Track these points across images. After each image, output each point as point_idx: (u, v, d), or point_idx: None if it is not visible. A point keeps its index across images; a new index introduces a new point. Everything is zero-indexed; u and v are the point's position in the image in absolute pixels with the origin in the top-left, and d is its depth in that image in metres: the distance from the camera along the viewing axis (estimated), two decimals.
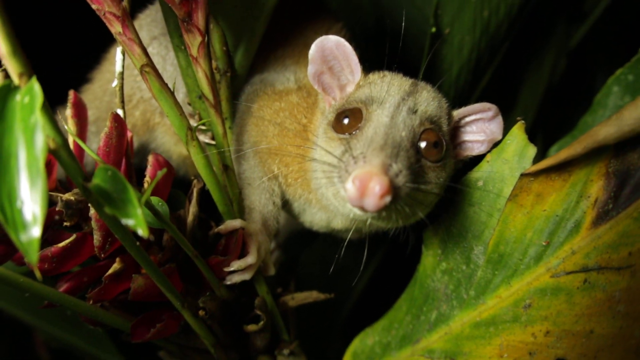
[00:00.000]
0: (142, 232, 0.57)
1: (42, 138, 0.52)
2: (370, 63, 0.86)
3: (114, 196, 0.62)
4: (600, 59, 1.39)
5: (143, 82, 0.98)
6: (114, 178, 0.62)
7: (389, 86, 0.76)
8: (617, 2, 1.31)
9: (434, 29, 0.97)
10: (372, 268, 1.16)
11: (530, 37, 1.24)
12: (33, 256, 0.51)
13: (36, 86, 0.54)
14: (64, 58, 1.27)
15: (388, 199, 0.64)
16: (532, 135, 1.32)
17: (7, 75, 0.84)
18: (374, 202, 0.63)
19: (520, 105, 1.24)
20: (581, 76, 1.40)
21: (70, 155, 0.61)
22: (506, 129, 0.82)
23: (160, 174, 0.71)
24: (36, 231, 0.50)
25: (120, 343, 1.18)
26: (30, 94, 0.55)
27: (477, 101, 1.15)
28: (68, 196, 0.81)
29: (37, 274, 0.61)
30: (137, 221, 0.59)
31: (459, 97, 1.08)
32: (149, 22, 0.99)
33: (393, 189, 0.64)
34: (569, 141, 1.06)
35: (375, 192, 0.63)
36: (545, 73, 1.26)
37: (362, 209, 0.65)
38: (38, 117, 0.53)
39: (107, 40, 1.12)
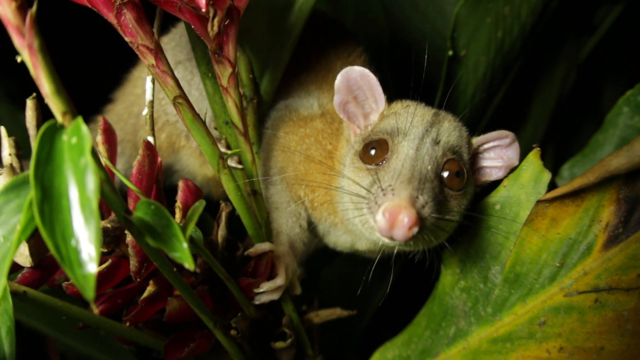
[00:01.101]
0: (188, 265, 0.64)
1: (93, 179, 0.55)
2: (390, 85, 0.93)
3: (158, 230, 0.68)
4: (609, 72, 1.47)
5: (169, 106, 1.06)
6: (158, 212, 0.68)
7: (413, 117, 0.84)
8: (625, 15, 1.39)
9: (450, 52, 1.05)
10: (388, 284, 1.25)
11: (541, 52, 1.32)
12: (90, 292, 0.53)
13: (83, 127, 0.57)
14: (82, 72, 1.33)
15: (416, 229, 0.72)
16: (544, 147, 1.41)
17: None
18: (403, 233, 0.71)
19: (532, 118, 1.33)
20: (590, 89, 1.49)
21: (112, 189, 0.65)
22: (521, 147, 0.90)
23: (200, 206, 0.78)
24: (92, 268, 0.54)
25: (142, 356, 1.26)
26: (77, 135, 0.57)
27: (491, 118, 1.24)
28: (105, 224, 0.88)
29: (94, 309, 0.67)
30: (184, 255, 0.64)
31: (473, 116, 1.16)
32: (174, 47, 1.05)
33: (420, 220, 0.73)
34: (580, 159, 1.15)
35: (405, 225, 0.71)
36: (556, 86, 1.34)
37: (392, 238, 0.74)
38: (89, 159, 0.56)
39: (126, 60, 1.19)
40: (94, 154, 0.60)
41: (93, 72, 1.30)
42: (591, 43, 1.40)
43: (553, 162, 1.31)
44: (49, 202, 0.56)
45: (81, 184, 0.56)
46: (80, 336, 1.25)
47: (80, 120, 0.58)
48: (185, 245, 0.65)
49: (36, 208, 0.54)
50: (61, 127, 0.60)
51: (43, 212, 0.55)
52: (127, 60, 1.18)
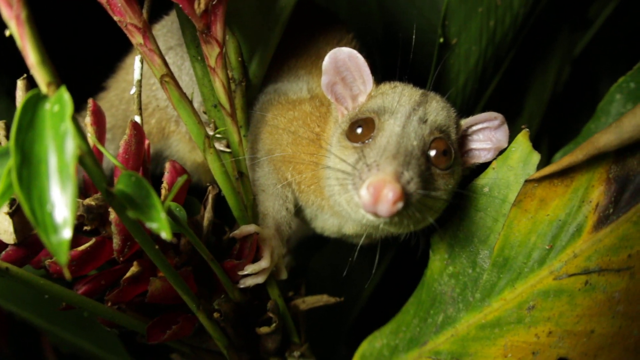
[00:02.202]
0: (165, 235, 0.62)
1: (72, 145, 0.56)
2: (379, 69, 0.93)
3: (138, 201, 0.67)
4: (603, 66, 1.46)
5: (159, 91, 1.06)
6: (138, 184, 0.68)
7: (400, 96, 0.83)
8: (620, 9, 1.38)
9: (441, 40, 1.04)
10: (379, 272, 1.23)
11: (536, 44, 1.31)
12: (63, 257, 0.54)
13: (66, 95, 0.57)
14: (78, 65, 1.34)
15: (400, 205, 0.70)
16: (538, 140, 1.40)
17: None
18: (387, 208, 0.70)
19: (526, 111, 1.31)
20: (585, 82, 1.47)
21: (94, 162, 0.65)
22: (512, 136, 0.89)
23: (180, 180, 0.77)
24: (67, 233, 0.54)
25: (131, 346, 1.24)
26: (60, 103, 0.58)
27: (483, 109, 1.23)
28: (89, 201, 0.87)
29: (67, 273, 0.66)
30: (161, 225, 0.64)
31: (466, 105, 1.15)
32: (165, 33, 1.05)
33: (405, 196, 0.71)
34: (573, 148, 1.12)
35: (389, 199, 0.69)
36: (550, 80, 1.33)
37: (376, 214, 0.71)
38: (69, 125, 0.56)
39: (121, 50, 1.19)
40: (76, 122, 0.60)
41: (88, 63, 1.30)
42: (586, 37, 1.39)
43: (547, 156, 1.28)
44: (28, 167, 0.56)
45: (60, 149, 0.57)
46: (69, 326, 1.24)
47: (63, 88, 0.58)
48: (163, 215, 0.65)
49: (15, 173, 0.54)
50: (44, 97, 0.60)
51: (21, 177, 0.55)
52: (122, 50, 1.18)
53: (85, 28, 1.34)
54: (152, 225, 0.64)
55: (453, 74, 1.09)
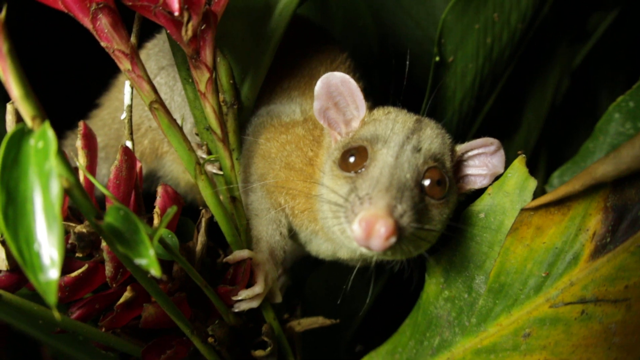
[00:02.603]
0: (154, 272, 0.62)
1: (57, 185, 0.55)
2: (372, 86, 0.91)
3: (126, 236, 0.66)
4: (602, 78, 1.44)
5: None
6: (126, 218, 0.66)
7: (394, 124, 0.81)
8: (619, 21, 1.36)
9: (437, 58, 1.02)
10: (374, 293, 1.22)
11: (534, 58, 1.29)
12: (52, 297, 0.54)
13: (49, 132, 0.57)
14: (70, 81, 1.32)
15: (393, 240, 0.69)
16: (536, 153, 1.38)
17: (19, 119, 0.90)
18: (380, 244, 0.68)
19: (525, 125, 1.29)
20: (584, 95, 1.45)
21: (82, 194, 0.63)
22: (509, 159, 0.87)
23: (171, 211, 0.76)
24: (54, 273, 0.54)
25: None
26: (44, 139, 0.57)
27: (481, 126, 1.21)
28: (80, 229, 0.86)
29: (56, 314, 0.65)
30: (150, 262, 0.63)
31: (462, 123, 1.13)
32: (157, 52, 1.04)
33: (398, 230, 0.70)
34: (571, 167, 1.11)
35: (381, 234, 0.68)
36: (549, 93, 1.31)
37: (368, 248, 0.70)
38: (53, 164, 0.56)
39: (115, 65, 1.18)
40: (63, 158, 0.59)
41: (80, 78, 1.29)
42: (585, 49, 1.37)
43: (546, 170, 1.27)
44: (14, 206, 0.56)
45: (45, 188, 0.56)
46: (70, 342, 1.23)
47: (47, 124, 0.57)
48: (151, 252, 0.64)
49: (0, 212, 0.54)
50: (29, 132, 0.59)
51: (7, 216, 0.55)
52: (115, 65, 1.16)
53: (82, 40, 1.33)
54: (141, 262, 0.63)
55: (449, 93, 1.07)
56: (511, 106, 1.31)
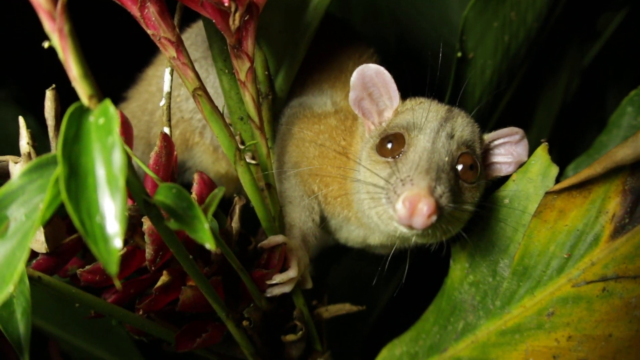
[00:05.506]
0: (210, 245, 0.68)
1: (120, 157, 0.58)
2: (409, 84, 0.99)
3: (180, 212, 0.73)
4: (612, 77, 1.55)
5: (183, 103, 1.12)
6: (179, 195, 0.72)
7: (427, 113, 0.90)
8: (628, 20, 1.48)
9: (459, 54, 1.12)
10: (396, 281, 1.30)
11: (545, 57, 1.40)
12: (114, 267, 0.56)
13: (111, 108, 0.61)
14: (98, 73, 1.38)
15: (434, 218, 0.78)
16: (548, 151, 1.48)
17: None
18: (422, 221, 0.77)
19: (536, 123, 1.39)
20: (593, 94, 1.56)
21: (133, 174, 0.68)
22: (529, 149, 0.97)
23: (219, 192, 0.83)
24: (118, 242, 0.56)
25: (148, 356, 1.29)
26: (105, 115, 0.61)
27: (497, 122, 1.31)
28: None
29: (117, 284, 0.69)
30: (205, 236, 0.68)
31: (480, 118, 1.23)
32: (189, 45, 1.11)
33: (438, 209, 0.78)
34: (585, 159, 1.21)
35: (424, 212, 0.76)
36: (560, 92, 1.42)
37: (410, 227, 0.79)
38: (116, 138, 0.59)
39: (137, 60, 1.25)
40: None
41: (106, 72, 1.35)
42: (595, 49, 1.48)
43: (558, 167, 1.36)
44: (76, 179, 0.59)
45: (108, 162, 0.59)
46: (85, 335, 1.28)
47: (108, 102, 0.62)
48: (207, 225, 0.68)
49: (63, 184, 0.57)
50: (87, 110, 0.63)
51: (70, 188, 0.58)
52: (139, 60, 1.24)
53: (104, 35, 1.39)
54: (197, 235, 0.70)
55: (469, 87, 1.17)
56: (524, 105, 1.41)
